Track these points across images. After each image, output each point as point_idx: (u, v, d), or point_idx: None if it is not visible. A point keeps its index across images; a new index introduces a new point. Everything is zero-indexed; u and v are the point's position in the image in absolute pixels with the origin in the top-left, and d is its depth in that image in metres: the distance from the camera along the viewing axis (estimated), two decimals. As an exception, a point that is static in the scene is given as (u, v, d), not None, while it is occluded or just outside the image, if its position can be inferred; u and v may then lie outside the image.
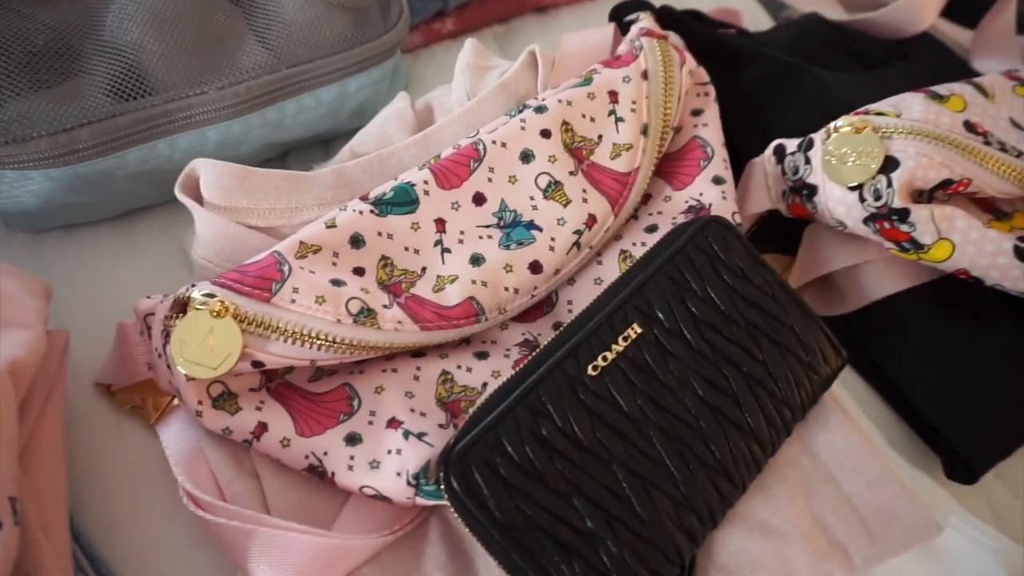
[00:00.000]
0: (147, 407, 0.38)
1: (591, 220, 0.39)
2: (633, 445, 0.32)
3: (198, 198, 0.39)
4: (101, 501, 0.37)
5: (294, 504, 0.34)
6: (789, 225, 0.45)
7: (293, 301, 0.34)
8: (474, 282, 0.37)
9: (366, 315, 0.34)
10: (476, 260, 0.37)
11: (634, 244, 0.41)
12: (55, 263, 0.43)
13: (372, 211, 0.37)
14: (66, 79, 0.39)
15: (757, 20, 0.61)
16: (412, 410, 0.35)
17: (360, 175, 0.41)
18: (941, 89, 0.42)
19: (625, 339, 0.34)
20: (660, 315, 0.35)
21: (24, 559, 0.28)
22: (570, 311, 0.40)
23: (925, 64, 0.52)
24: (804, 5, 0.57)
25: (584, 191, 0.40)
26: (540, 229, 0.39)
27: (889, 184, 0.38)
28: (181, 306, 0.34)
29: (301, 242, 0.35)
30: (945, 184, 0.39)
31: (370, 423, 0.34)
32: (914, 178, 0.38)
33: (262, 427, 0.33)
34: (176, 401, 0.37)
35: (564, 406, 0.32)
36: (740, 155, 0.45)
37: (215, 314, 0.33)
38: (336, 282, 0.35)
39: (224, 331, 0.33)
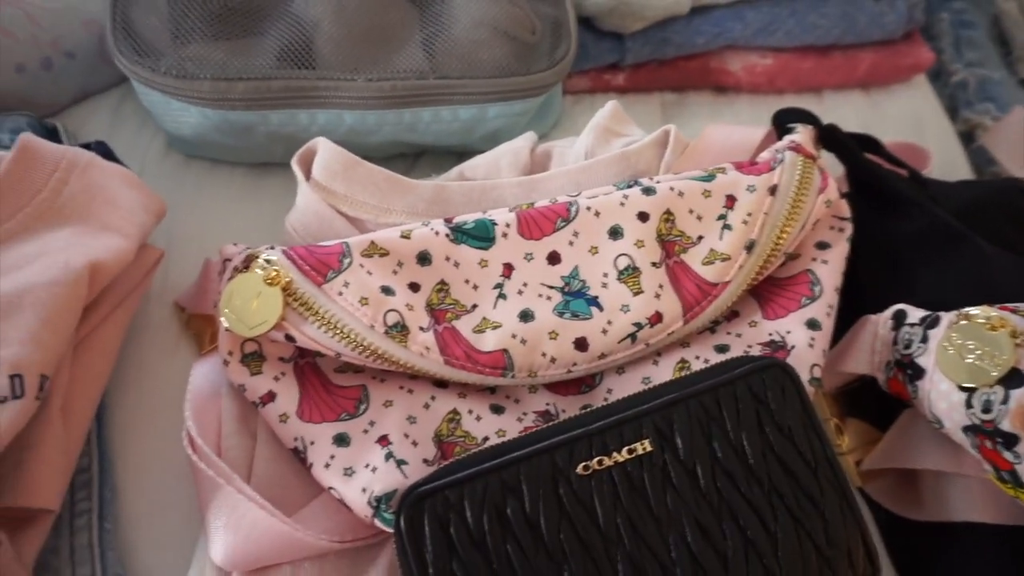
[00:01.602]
0: (203, 339, 0.41)
1: (656, 318, 0.37)
2: (593, 562, 0.30)
3: (309, 172, 0.41)
4: (134, 404, 0.40)
5: (274, 477, 0.35)
6: (891, 397, 0.40)
7: (340, 294, 0.35)
8: (514, 336, 0.36)
9: (399, 330, 0.35)
10: (525, 316, 0.37)
11: (697, 358, 0.38)
12: (192, 186, 0.49)
13: (448, 235, 0.37)
14: (244, 35, 0.43)
15: (956, 167, 0.54)
16: (406, 435, 0.35)
17: (458, 197, 0.42)
18: None
19: (630, 451, 0.32)
20: (678, 442, 0.32)
21: (31, 431, 0.32)
22: (606, 399, 0.38)
23: None
24: (1016, 167, 0.50)
25: (660, 287, 0.37)
26: (601, 308, 0.37)
27: (1005, 400, 0.32)
28: (249, 262, 0.36)
29: (372, 242, 0.37)
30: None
31: (364, 431, 0.35)
32: (1038, 404, 0.32)
33: (270, 396, 0.35)
34: (223, 343, 0.40)
35: (538, 493, 0.31)
36: (867, 307, 0.41)
37: (268, 281, 0.35)
38: (386, 290, 0.36)
39: (269, 299, 0.35)
